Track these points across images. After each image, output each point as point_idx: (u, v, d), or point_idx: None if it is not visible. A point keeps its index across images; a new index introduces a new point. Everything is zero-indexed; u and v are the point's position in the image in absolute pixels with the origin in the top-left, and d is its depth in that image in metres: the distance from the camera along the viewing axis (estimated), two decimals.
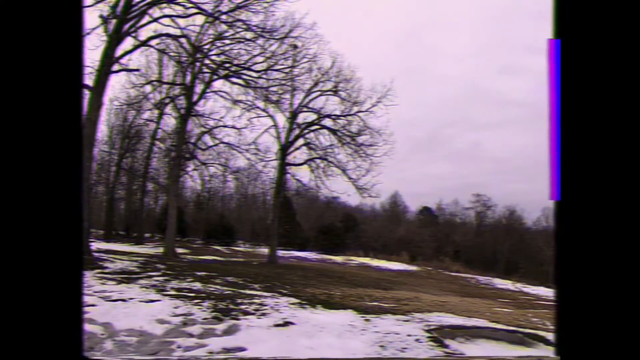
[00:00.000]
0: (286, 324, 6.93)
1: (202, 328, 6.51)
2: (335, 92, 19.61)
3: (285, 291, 10.17)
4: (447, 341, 6.62)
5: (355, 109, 19.43)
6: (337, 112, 19.82)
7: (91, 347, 5.31)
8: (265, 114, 19.53)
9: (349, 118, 19.57)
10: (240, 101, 18.60)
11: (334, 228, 29.90)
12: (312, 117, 20.20)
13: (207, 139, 19.30)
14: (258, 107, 19.11)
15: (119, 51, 13.98)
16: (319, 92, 19.85)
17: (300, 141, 20.13)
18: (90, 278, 9.19)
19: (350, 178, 19.40)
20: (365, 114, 19.24)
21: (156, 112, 21.17)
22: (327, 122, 20.02)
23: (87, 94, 12.75)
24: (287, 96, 19.53)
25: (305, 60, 18.75)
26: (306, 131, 20.11)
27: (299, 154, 20.28)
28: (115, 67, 14.14)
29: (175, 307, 7.45)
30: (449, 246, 32.50)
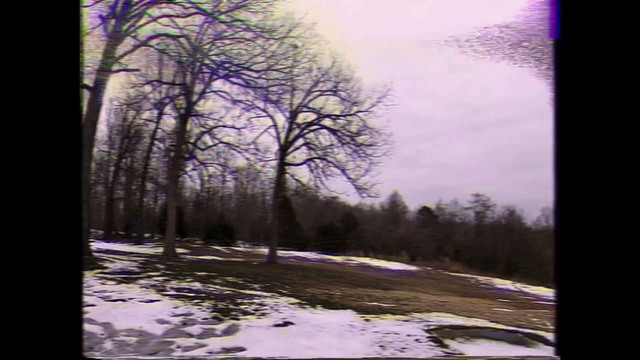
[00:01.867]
0: (286, 324, 6.92)
1: (201, 328, 6.50)
2: (335, 92, 19.60)
3: (285, 291, 10.16)
4: (447, 341, 6.61)
5: (355, 108, 19.43)
6: (337, 112, 19.81)
7: (91, 347, 5.30)
8: (265, 114, 19.52)
9: (349, 118, 19.57)
10: (239, 101, 18.59)
11: (333, 228, 29.86)
12: (311, 117, 20.19)
13: (206, 138, 19.28)
14: (257, 107, 19.10)
15: (119, 51, 13.97)
16: (318, 92, 19.85)
17: (300, 141, 20.13)
18: (90, 278, 9.18)
19: (349, 178, 19.40)
20: (364, 113, 19.24)
21: (155, 112, 21.14)
22: (327, 122, 20.02)
23: (86, 94, 12.73)
24: (287, 96, 19.52)
25: (305, 60, 18.73)
26: (306, 131, 20.11)
27: (298, 154, 20.27)
28: (115, 67, 14.14)
29: (175, 307, 7.44)
30: (449, 246, 32.49)
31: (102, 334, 5.86)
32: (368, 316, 7.73)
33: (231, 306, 7.86)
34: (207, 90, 18.31)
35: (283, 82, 18.66)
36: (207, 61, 17.69)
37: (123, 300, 7.67)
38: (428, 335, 6.75)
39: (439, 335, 6.81)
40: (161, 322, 6.62)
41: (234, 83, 18.11)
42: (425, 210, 36.37)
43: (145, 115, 22.32)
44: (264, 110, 19.40)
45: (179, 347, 5.76)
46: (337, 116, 19.76)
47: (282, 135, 19.84)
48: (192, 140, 19.19)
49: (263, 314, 7.43)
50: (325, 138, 20.01)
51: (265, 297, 9.04)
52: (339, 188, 20.00)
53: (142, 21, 14.50)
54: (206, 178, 23.27)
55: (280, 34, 17.07)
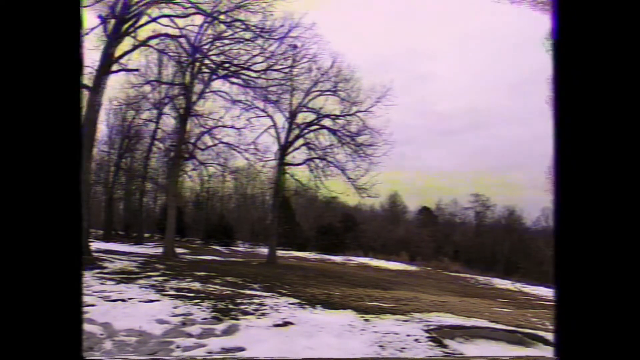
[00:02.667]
0: (285, 324, 6.93)
1: (201, 328, 6.51)
2: (334, 92, 19.61)
3: (284, 291, 10.17)
4: (447, 341, 6.62)
5: (355, 108, 19.44)
6: (337, 112, 19.82)
7: (91, 347, 5.30)
8: (264, 114, 19.53)
9: (348, 118, 19.57)
10: (239, 101, 18.60)
11: (333, 228, 29.88)
12: (311, 117, 20.20)
13: (206, 138, 19.29)
14: (257, 107, 19.12)
15: (118, 51, 13.98)
16: (318, 92, 19.86)
17: (300, 141, 20.12)
18: (89, 278, 9.19)
19: (349, 178, 19.41)
20: (364, 113, 19.26)
21: (155, 112, 21.15)
22: (327, 122, 20.02)
23: (86, 94, 12.74)
24: (287, 96, 19.53)
25: (304, 60, 18.75)
26: (305, 131, 20.11)
27: (298, 154, 20.28)
28: (115, 67, 14.15)
29: (175, 307, 7.44)
30: (449, 246, 32.50)
31: (101, 334, 5.86)
32: (368, 316, 7.74)
33: (231, 306, 7.87)
34: (207, 90, 18.31)
35: (282, 82, 18.67)
36: (206, 61, 17.70)
37: (123, 300, 7.67)
38: (428, 335, 6.76)
39: (438, 335, 6.82)
40: (161, 322, 6.63)
41: (233, 83, 18.13)
42: (424, 210, 36.39)
43: (145, 115, 22.34)
44: (263, 111, 19.41)
45: (178, 347, 5.76)
46: (337, 116, 19.77)
47: (282, 136, 19.87)
48: (191, 141, 19.19)
49: (263, 314, 7.44)
50: (325, 138, 20.04)
51: (265, 297, 9.05)
52: (339, 188, 20.03)
53: (142, 21, 14.50)
54: (206, 178, 23.30)
55: (280, 34, 17.07)
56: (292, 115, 19.89)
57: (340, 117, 19.70)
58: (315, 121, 20.06)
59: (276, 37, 17.11)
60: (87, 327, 5.82)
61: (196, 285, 9.79)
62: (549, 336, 7.11)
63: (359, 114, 19.31)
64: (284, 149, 19.77)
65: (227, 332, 6.45)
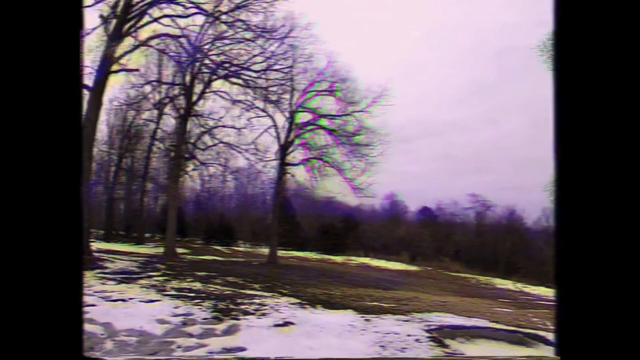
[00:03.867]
0: (286, 324, 6.93)
1: (202, 328, 6.51)
2: (331, 92, 19.63)
3: (285, 291, 10.17)
4: (447, 341, 6.62)
5: (351, 108, 19.47)
6: (334, 112, 19.85)
7: (91, 347, 5.30)
8: (265, 114, 19.55)
9: (345, 118, 19.60)
10: (239, 101, 18.61)
11: (334, 228, 29.87)
12: (308, 117, 20.24)
13: (206, 139, 19.31)
14: (257, 107, 19.13)
15: (119, 51, 13.99)
16: (315, 92, 19.87)
17: (298, 141, 20.16)
18: (90, 278, 9.19)
19: (346, 178, 19.44)
20: (361, 113, 19.29)
21: (155, 112, 21.17)
22: (324, 122, 20.05)
23: (86, 94, 12.75)
24: (286, 96, 19.56)
25: (302, 60, 18.78)
26: (302, 131, 20.14)
27: (298, 154, 20.31)
28: (115, 67, 14.15)
29: (175, 307, 7.45)
30: (449, 246, 32.48)
31: (102, 334, 5.86)
32: (368, 316, 7.74)
33: (231, 306, 7.87)
34: (207, 90, 18.33)
35: (283, 82, 18.70)
36: (207, 61, 17.72)
37: (123, 300, 7.68)
38: (428, 335, 6.75)
39: (439, 335, 6.82)
40: (161, 322, 6.63)
41: (233, 83, 18.14)
42: (425, 210, 36.35)
43: (145, 115, 22.35)
44: (263, 111, 19.43)
45: (179, 347, 5.77)
46: (334, 116, 19.82)
47: (282, 136, 19.88)
48: (192, 141, 19.20)
49: (263, 314, 7.44)
50: (322, 138, 20.08)
51: (265, 297, 9.05)
52: (337, 188, 20.04)
53: (143, 21, 14.52)
54: (207, 178, 23.28)
55: (280, 34, 17.10)
56: (292, 115, 19.91)
57: (337, 117, 19.73)
58: (312, 121, 20.08)
59: (277, 37, 17.14)
60: (88, 327, 5.83)
61: (197, 285, 9.79)
62: (550, 336, 7.10)
63: (355, 113, 19.35)
64: (284, 149, 19.79)
65: (228, 332, 6.45)
